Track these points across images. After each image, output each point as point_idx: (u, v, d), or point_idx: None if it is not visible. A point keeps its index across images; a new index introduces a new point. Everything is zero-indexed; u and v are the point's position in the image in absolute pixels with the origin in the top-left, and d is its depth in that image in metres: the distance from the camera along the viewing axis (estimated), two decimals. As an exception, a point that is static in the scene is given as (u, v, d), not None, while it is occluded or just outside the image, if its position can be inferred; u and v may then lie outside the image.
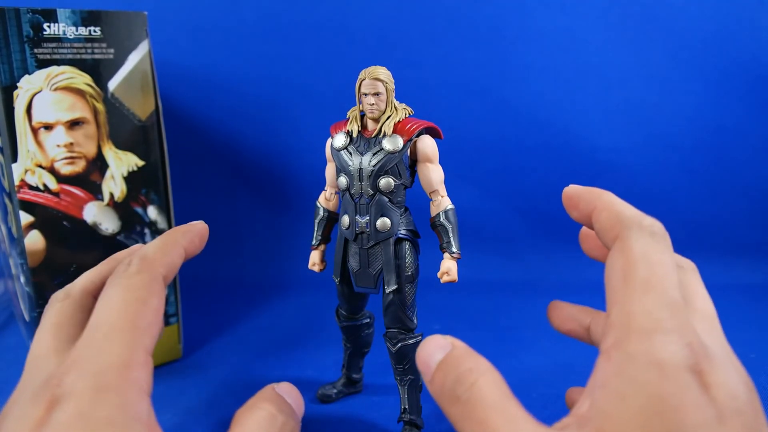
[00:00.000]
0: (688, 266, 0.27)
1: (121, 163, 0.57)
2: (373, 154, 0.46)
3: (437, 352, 0.25)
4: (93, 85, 0.54)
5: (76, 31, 0.52)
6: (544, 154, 0.92)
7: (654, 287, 0.22)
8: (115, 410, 0.20)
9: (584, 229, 0.30)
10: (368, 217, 0.47)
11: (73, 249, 0.55)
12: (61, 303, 0.28)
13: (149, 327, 0.24)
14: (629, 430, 0.19)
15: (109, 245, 0.57)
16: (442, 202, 0.48)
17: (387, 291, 0.47)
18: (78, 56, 0.53)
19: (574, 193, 0.31)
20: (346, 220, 0.49)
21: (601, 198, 0.27)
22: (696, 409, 0.19)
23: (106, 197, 0.57)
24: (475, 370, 0.23)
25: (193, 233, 0.32)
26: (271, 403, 0.26)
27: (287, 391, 0.28)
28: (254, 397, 0.26)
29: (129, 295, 0.24)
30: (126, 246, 0.58)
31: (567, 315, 0.34)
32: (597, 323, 0.31)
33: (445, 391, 0.24)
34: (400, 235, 0.48)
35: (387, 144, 0.46)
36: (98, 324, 0.23)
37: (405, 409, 0.49)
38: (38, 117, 0.52)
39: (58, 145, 0.53)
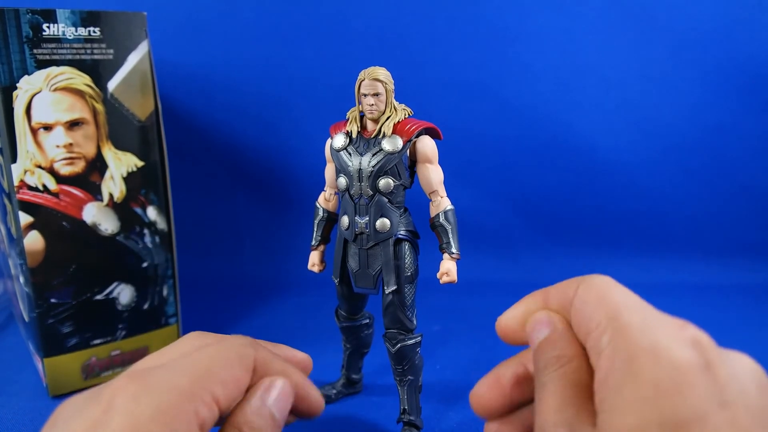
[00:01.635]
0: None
1: (121, 164, 0.57)
2: (373, 155, 0.46)
3: (545, 328, 0.26)
4: (92, 85, 0.54)
5: (76, 31, 0.52)
6: (544, 155, 0.92)
7: (629, 302, 0.23)
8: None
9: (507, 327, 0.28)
10: (368, 218, 0.47)
11: (72, 249, 0.55)
12: None
13: (225, 384, 0.24)
14: (627, 417, 0.19)
15: (109, 245, 0.57)
16: (442, 203, 0.48)
17: (386, 291, 0.47)
18: (77, 57, 0.53)
19: (511, 317, 0.28)
20: (345, 220, 0.49)
21: (541, 294, 0.28)
22: (693, 394, 0.19)
23: (106, 198, 0.57)
24: (564, 357, 0.24)
25: (308, 390, 0.30)
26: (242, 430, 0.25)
27: (271, 393, 0.27)
28: (235, 411, 0.26)
29: (219, 353, 0.25)
30: (125, 247, 0.58)
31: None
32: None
33: (543, 361, 0.24)
34: (400, 236, 0.48)
35: (386, 144, 0.46)
36: (180, 356, 0.25)
37: (404, 409, 0.49)
38: (37, 117, 0.52)
39: (58, 146, 0.53)
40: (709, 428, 0.18)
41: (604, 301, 0.23)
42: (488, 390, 0.28)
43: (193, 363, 0.24)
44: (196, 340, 0.28)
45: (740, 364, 0.21)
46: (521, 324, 0.27)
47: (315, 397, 0.30)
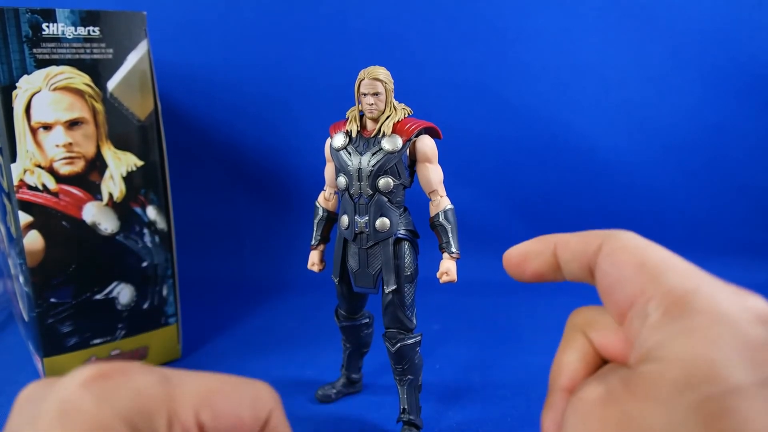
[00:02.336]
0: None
1: (120, 163, 0.57)
2: (372, 154, 0.46)
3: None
4: (92, 85, 0.54)
5: (75, 31, 0.52)
6: (544, 154, 0.92)
7: (677, 262, 0.21)
8: None
9: (517, 252, 0.26)
10: (367, 217, 0.47)
11: (72, 249, 0.55)
12: None
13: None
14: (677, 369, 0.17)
15: (108, 245, 0.57)
16: (442, 202, 0.48)
17: (386, 291, 0.47)
18: (77, 56, 0.53)
19: (517, 252, 0.26)
20: (345, 220, 0.49)
21: (555, 236, 0.25)
22: (740, 368, 0.17)
23: (105, 197, 0.57)
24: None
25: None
26: None
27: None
28: None
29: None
30: (124, 246, 0.58)
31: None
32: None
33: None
34: (400, 235, 0.48)
35: (386, 144, 0.46)
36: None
37: (404, 409, 0.49)
38: (37, 117, 0.52)
39: (57, 145, 0.53)
40: None
41: (644, 264, 0.21)
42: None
43: None
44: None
45: None
46: (522, 259, 0.26)
47: None
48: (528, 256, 0.25)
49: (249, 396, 0.21)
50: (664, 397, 0.17)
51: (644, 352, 0.19)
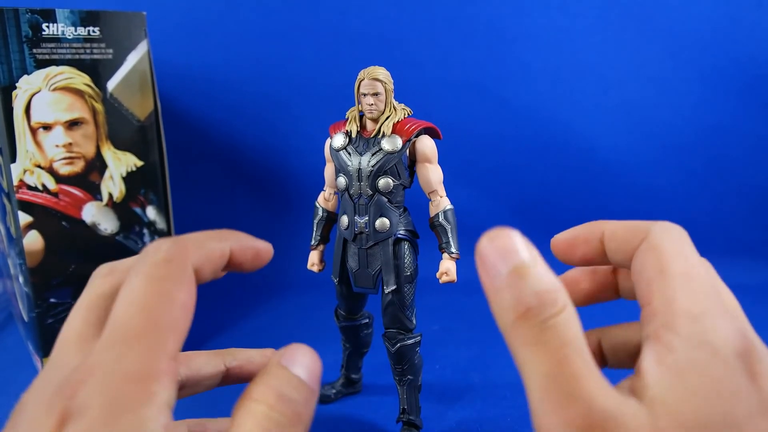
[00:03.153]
0: (708, 264, 0.26)
1: (120, 164, 0.57)
2: (372, 155, 0.46)
3: (519, 252, 0.22)
4: (92, 85, 0.54)
5: (75, 31, 0.52)
6: (543, 155, 0.92)
7: (694, 278, 0.21)
8: (129, 430, 0.18)
9: (566, 237, 0.26)
10: (367, 218, 0.47)
11: (71, 249, 0.55)
12: (101, 279, 0.24)
13: (174, 327, 0.21)
14: (688, 407, 0.18)
15: (108, 245, 0.57)
16: (441, 203, 0.48)
17: (386, 291, 0.47)
18: (77, 56, 0.53)
19: (566, 237, 0.27)
20: (345, 220, 0.49)
21: (604, 224, 0.25)
22: (747, 397, 0.19)
23: (105, 197, 0.57)
24: (560, 301, 0.21)
25: (249, 243, 0.27)
26: (269, 402, 0.21)
27: (298, 360, 0.23)
28: (255, 383, 0.22)
29: (152, 288, 0.21)
30: (124, 247, 0.58)
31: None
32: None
33: (520, 307, 0.21)
34: (399, 236, 0.48)
35: (386, 144, 0.46)
36: (117, 323, 0.21)
37: (404, 409, 0.49)
38: (37, 117, 0.52)
39: (57, 146, 0.53)
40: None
41: (663, 273, 0.21)
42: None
43: (135, 328, 0.21)
44: (133, 283, 0.22)
45: None
46: (569, 245, 0.26)
47: (260, 245, 0.27)
48: (576, 241, 0.26)
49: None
50: None
51: (640, 379, 0.20)
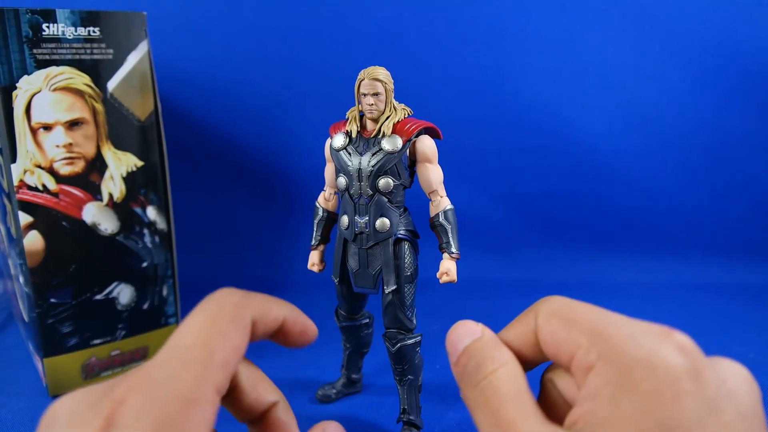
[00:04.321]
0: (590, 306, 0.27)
1: (120, 164, 0.57)
2: (372, 155, 0.46)
3: (466, 337, 0.26)
4: (92, 85, 0.54)
5: (75, 31, 0.52)
6: (544, 155, 0.92)
7: (596, 315, 0.23)
8: None
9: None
10: (367, 218, 0.47)
11: (72, 249, 0.55)
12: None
13: (225, 364, 0.22)
14: (621, 424, 0.19)
15: (109, 245, 0.57)
16: (441, 203, 0.48)
17: (386, 291, 0.47)
18: (77, 56, 0.53)
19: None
20: (345, 220, 0.49)
21: (501, 335, 0.26)
22: (690, 400, 0.19)
23: (105, 197, 0.57)
24: (496, 360, 0.24)
25: (301, 318, 0.28)
26: None
27: None
28: None
29: (214, 325, 0.23)
30: (125, 247, 0.58)
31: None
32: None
33: (466, 376, 0.24)
34: (400, 236, 0.48)
35: (386, 144, 0.46)
36: (176, 346, 0.22)
37: (404, 409, 0.49)
38: (37, 117, 0.52)
39: (57, 146, 0.53)
40: None
41: (577, 321, 0.23)
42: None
43: (191, 355, 0.22)
44: (198, 316, 0.25)
45: (728, 369, 0.21)
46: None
47: (309, 324, 0.28)
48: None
49: (231, 323, 0.24)
50: None
51: (587, 411, 0.21)
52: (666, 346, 0.20)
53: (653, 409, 0.19)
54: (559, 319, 0.23)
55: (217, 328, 0.23)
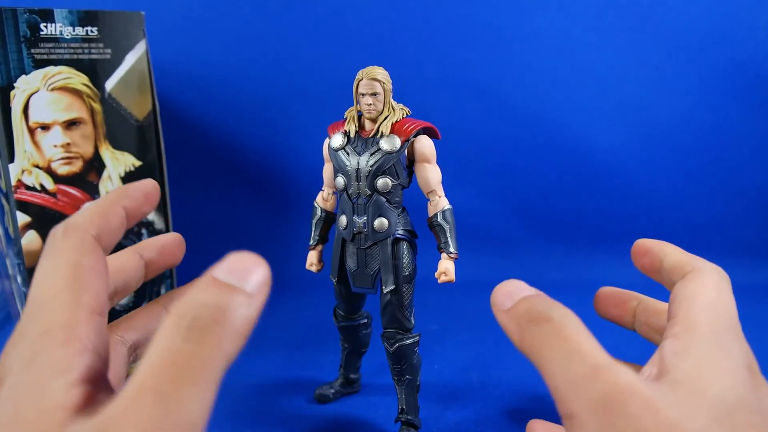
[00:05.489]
0: (733, 303, 0.30)
1: (118, 163, 0.57)
2: (371, 155, 0.46)
3: (525, 290, 0.26)
4: (90, 85, 0.54)
5: (73, 31, 0.52)
6: (542, 155, 0.92)
7: (718, 307, 0.26)
8: (45, 372, 0.20)
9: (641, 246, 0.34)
10: (366, 218, 0.47)
11: (70, 249, 0.55)
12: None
13: (86, 286, 0.22)
14: (711, 390, 0.21)
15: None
16: (440, 203, 0.48)
17: (384, 291, 0.47)
18: (75, 56, 0.53)
19: (644, 244, 0.34)
20: (343, 220, 0.49)
21: (670, 245, 0.31)
22: (757, 403, 0.22)
23: (104, 197, 0.56)
24: (563, 308, 0.24)
25: (135, 190, 0.28)
26: (178, 311, 0.22)
27: (224, 265, 0.23)
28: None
29: (57, 260, 0.23)
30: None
31: (615, 300, 0.36)
32: (645, 311, 0.34)
33: (533, 313, 0.24)
34: (398, 236, 0.48)
35: (384, 144, 0.46)
36: (33, 297, 0.23)
37: (402, 409, 0.49)
38: (35, 117, 0.52)
39: (55, 146, 0.53)
40: None
41: (696, 293, 0.26)
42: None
43: (47, 297, 0.22)
44: (39, 272, 0.24)
45: None
46: (641, 254, 0.33)
47: (145, 185, 0.28)
48: (647, 253, 0.33)
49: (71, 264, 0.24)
50: None
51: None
52: (737, 347, 0.25)
53: (735, 403, 0.22)
54: (690, 290, 0.27)
55: (61, 261, 0.23)
